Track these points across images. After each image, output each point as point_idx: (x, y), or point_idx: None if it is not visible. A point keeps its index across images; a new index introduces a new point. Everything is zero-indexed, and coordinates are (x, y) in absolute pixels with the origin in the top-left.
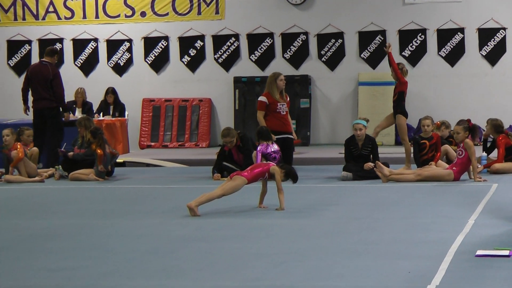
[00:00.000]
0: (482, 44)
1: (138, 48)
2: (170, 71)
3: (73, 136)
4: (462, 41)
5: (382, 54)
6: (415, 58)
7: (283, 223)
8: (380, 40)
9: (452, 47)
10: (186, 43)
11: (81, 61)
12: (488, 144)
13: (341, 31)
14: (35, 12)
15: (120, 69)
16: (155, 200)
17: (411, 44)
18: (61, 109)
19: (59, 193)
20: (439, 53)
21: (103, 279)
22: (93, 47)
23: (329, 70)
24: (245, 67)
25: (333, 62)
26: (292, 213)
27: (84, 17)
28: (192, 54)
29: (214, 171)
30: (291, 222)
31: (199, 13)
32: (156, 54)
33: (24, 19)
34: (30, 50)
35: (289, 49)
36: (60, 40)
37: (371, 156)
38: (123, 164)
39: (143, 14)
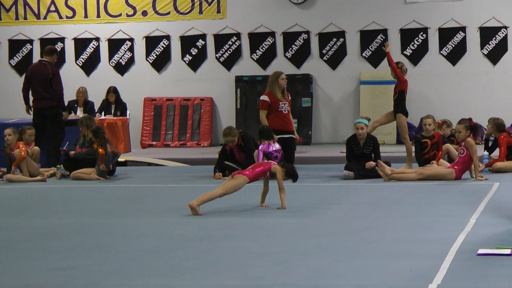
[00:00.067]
0: (483, 43)
1: (140, 47)
2: (172, 70)
3: (75, 136)
4: (463, 40)
5: (383, 53)
6: (416, 57)
7: (285, 222)
8: (382, 39)
9: (453, 46)
10: (187, 42)
11: (83, 61)
12: (490, 143)
13: (343, 30)
14: (36, 12)
15: (121, 68)
16: (156, 199)
17: (412, 43)
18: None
19: (60, 193)
20: (441, 52)
21: (104, 278)
22: (94, 47)
23: (330, 69)
24: (247, 66)
25: (334, 61)
26: (293, 212)
27: (86, 16)
28: (193, 53)
29: (215, 170)
30: (293, 221)
31: (200, 12)
32: (158, 53)
33: (25, 18)
34: (31, 50)
35: (290, 48)
36: (62, 40)
37: (373, 155)
38: (124, 164)
39: (144, 13)
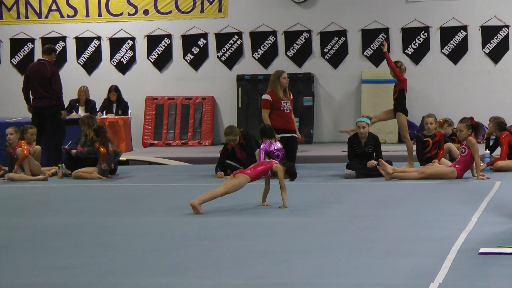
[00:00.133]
0: (485, 42)
1: (141, 46)
2: (173, 69)
3: (77, 135)
4: (465, 39)
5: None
6: (418, 56)
7: (286, 221)
8: (383, 38)
9: (455, 45)
10: (189, 41)
11: (84, 59)
12: (491, 142)
13: (344, 29)
14: (38, 11)
15: (123, 67)
16: (158, 198)
17: (414, 42)
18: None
19: (62, 192)
20: (442, 51)
21: (106, 277)
22: (96, 45)
23: (332, 68)
24: (248, 65)
25: (336, 60)
26: (295, 211)
27: (87, 15)
28: (195, 52)
29: (217, 169)
30: (294, 220)
31: (202, 11)
32: (159, 52)
33: (27, 17)
34: (33, 49)
35: (292, 47)
36: (63, 39)
37: (374, 154)
38: (126, 163)
39: (146, 12)
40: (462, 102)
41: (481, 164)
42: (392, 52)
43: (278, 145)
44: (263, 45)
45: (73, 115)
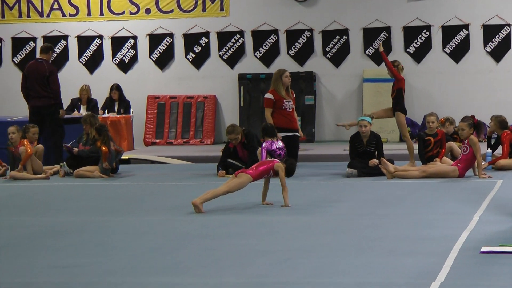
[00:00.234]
0: (486, 40)
1: (143, 45)
2: (175, 68)
3: (78, 133)
4: (466, 38)
5: (386, 51)
6: (419, 55)
7: (288, 220)
8: (385, 37)
9: (456, 43)
10: (190, 40)
11: (86, 58)
12: (493, 141)
13: (346, 28)
14: (39, 9)
15: (124, 66)
16: (159, 197)
17: (415, 41)
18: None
19: (63, 190)
20: (444, 49)
21: (108, 276)
22: (97, 44)
23: (334, 67)
24: (250, 64)
25: (338, 58)
26: (296, 210)
27: (89, 14)
28: (197, 51)
29: (219, 168)
30: (296, 219)
31: (203, 10)
32: (161, 51)
33: (28, 16)
34: (34, 47)
35: (293, 46)
36: (65, 37)
37: (376, 152)
38: (128, 161)
39: (147, 11)
40: (464, 100)
41: (483, 163)
42: (393, 51)
43: (280, 144)
44: (265, 44)
45: (75, 114)
